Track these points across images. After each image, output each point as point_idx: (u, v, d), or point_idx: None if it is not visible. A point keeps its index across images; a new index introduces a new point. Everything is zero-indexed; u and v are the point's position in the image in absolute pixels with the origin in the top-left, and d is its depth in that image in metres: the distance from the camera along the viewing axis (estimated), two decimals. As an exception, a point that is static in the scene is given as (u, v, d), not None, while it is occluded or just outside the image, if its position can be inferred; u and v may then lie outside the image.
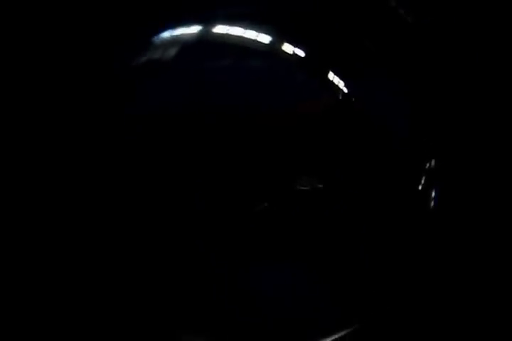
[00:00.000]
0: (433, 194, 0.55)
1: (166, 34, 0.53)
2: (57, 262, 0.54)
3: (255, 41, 0.53)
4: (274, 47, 0.53)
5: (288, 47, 0.53)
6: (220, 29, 0.53)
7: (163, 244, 0.53)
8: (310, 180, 0.53)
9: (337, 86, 0.53)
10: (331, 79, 0.53)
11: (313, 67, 0.54)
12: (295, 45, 0.53)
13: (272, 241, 0.53)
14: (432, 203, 0.55)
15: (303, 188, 0.53)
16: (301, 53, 0.53)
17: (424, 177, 0.55)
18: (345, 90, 0.53)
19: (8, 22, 0.53)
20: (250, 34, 0.53)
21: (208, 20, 0.53)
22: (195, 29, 0.53)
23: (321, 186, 0.53)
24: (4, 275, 0.54)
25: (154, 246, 0.54)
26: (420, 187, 0.55)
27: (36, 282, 0.54)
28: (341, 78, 0.53)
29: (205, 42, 0.53)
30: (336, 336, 0.54)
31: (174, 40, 0.53)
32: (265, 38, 0.53)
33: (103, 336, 0.54)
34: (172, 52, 0.52)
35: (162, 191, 0.53)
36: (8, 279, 0.54)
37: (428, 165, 0.55)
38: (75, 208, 0.53)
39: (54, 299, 0.55)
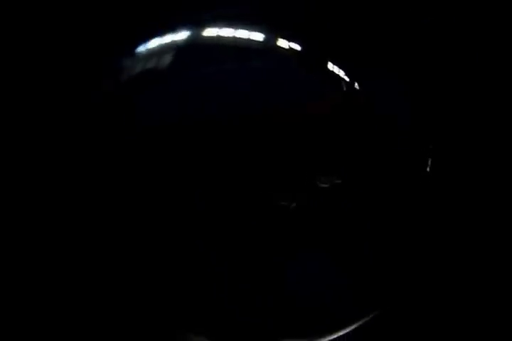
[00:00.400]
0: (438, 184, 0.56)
1: (160, 41, 0.52)
2: (57, 262, 0.54)
3: (255, 41, 0.52)
4: (275, 47, 0.53)
5: (289, 46, 0.53)
6: (213, 32, 0.52)
7: (172, 242, 0.53)
8: (329, 178, 0.53)
9: (342, 82, 0.54)
10: (334, 75, 0.53)
11: (317, 64, 0.54)
12: (296, 43, 0.53)
13: (292, 236, 0.54)
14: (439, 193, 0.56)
15: (323, 186, 0.53)
16: (303, 51, 0.53)
17: (428, 170, 0.56)
18: (350, 86, 0.54)
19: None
20: (245, 34, 0.52)
21: (198, 23, 0.52)
22: (187, 34, 0.52)
23: (339, 182, 0.53)
24: (4, 276, 0.54)
25: (157, 246, 0.54)
26: (425, 179, 0.56)
27: (36, 282, 0.54)
28: (345, 74, 0.53)
29: (201, 47, 0.52)
30: (354, 326, 0.55)
31: (170, 47, 0.52)
32: (263, 37, 0.52)
33: (108, 336, 0.54)
34: (169, 59, 0.52)
35: (171, 193, 0.53)
36: (8, 279, 0.54)
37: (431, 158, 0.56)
38: (75, 207, 0.53)
39: (54, 299, 0.55)
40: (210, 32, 0.52)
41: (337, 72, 0.53)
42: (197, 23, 0.52)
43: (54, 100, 0.52)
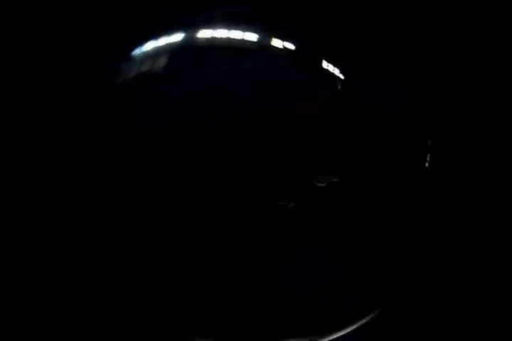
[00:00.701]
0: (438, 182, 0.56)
1: (155, 44, 0.52)
2: (53, 265, 0.54)
3: (245, 42, 0.52)
4: (270, 47, 0.53)
5: (284, 45, 0.53)
6: (207, 33, 0.52)
7: (168, 244, 0.53)
8: (326, 177, 0.53)
9: (337, 81, 0.54)
10: (329, 74, 0.53)
11: (312, 64, 0.54)
12: (290, 42, 0.53)
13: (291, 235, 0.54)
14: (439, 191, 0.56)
15: (320, 185, 0.53)
16: (298, 51, 0.53)
17: (427, 165, 0.56)
18: (345, 85, 0.54)
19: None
20: (239, 35, 0.52)
21: (192, 25, 0.52)
22: (182, 36, 0.52)
23: (336, 180, 0.53)
24: (4, 276, 0.54)
25: (154, 247, 0.54)
26: (424, 175, 0.56)
27: (36, 283, 0.54)
28: (341, 73, 0.54)
29: (195, 48, 0.52)
30: (354, 326, 0.55)
31: (165, 50, 0.52)
32: (257, 38, 0.52)
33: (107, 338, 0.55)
34: (164, 61, 0.52)
35: (170, 195, 0.53)
36: (8, 279, 0.54)
37: (429, 156, 0.56)
38: (69, 209, 0.53)
39: (52, 303, 0.55)
40: (204, 33, 0.52)
41: (332, 72, 0.53)
42: (191, 24, 0.52)
43: (51, 102, 0.52)
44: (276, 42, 0.52)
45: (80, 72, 0.52)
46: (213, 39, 0.52)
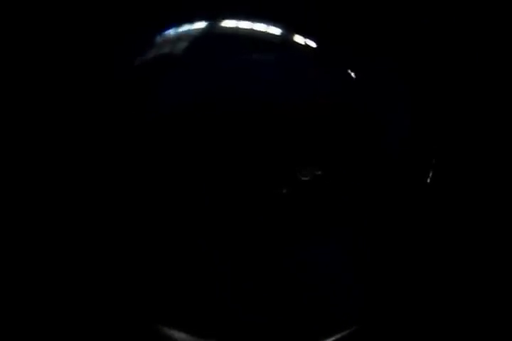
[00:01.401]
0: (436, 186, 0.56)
1: (178, 29, 0.52)
2: (58, 256, 0.53)
3: (267, 34, 0.53)
4: (285, 41, 0.53)
5: (299, 41, 0.53)
6: (229, 24, 0.53)
7: (171, 241, 0.53)
8: (311, 171, 0.53)
9: (344, 80, 0.54)
10: (338, 74, 0.54)
11: (322, 62, 0.54)
12: (306, 38, 0.53)
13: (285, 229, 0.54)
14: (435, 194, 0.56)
15: (304, 179, 0.53)
16: (311, 47, 0.53)
17: (425, 171, 0.56)
18: (352, 85, 0.54)
19: (9, 24, 0.53)
20: (262, 28, 0.53)
21: (217, 15, 0.53)
22: (204, 24, 0.53)
23: (320, 174, 0.53)
24: (4, 275, 0.53)
25: (159, 244, 0.53)
26: (423, 180, 0.56)
27: (35, 281, 0.54)
28: (348, 73, 0.54)
29: (216, 37, 0.53)
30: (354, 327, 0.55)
31: (186, 36, 0.52)
32: (276, 32, 0.53)
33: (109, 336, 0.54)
34: (183, 47, 0.52)
35: (170, 188, 0.53)
36: (7, 279, 0.53)
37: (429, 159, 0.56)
38: (77, 202, 0.53)
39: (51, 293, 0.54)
40: (228, 23, 0.52)
41: (347, 72, 0.54)
42: (216, 15, 0.52)
43: (70, 78, 0.52)
44: (298, 39, 0.53)
45: (102, 49, 0.52)
46: (236, 29, 0.52)
